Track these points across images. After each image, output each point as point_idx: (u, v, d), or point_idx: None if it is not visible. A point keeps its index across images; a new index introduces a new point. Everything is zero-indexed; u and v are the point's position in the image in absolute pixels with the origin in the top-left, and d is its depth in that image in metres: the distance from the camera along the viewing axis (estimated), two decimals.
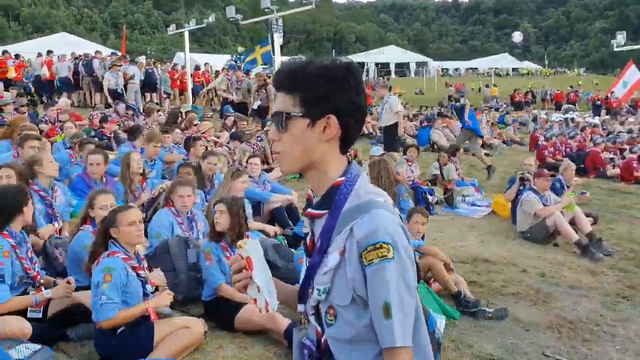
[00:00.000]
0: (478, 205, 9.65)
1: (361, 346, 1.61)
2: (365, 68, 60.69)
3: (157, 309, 3.91)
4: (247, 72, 19.77)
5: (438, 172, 10.49)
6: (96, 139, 8.70)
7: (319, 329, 1.70)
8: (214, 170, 6.89)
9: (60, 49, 21.22)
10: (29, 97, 17.18)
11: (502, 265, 6.58)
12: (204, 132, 10.77)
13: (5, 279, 3.82)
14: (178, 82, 20.44)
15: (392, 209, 1.65)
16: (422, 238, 6.04)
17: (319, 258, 1.65)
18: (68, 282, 3.99)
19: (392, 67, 64.64)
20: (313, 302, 1.69)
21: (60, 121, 10.19)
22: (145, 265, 4.01)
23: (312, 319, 1.72)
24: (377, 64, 61.74)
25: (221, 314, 4.48)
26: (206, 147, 8.37)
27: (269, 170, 10.16)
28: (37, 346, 3.49)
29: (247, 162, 7.58)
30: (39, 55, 19.76)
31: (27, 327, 3.70)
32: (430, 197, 9.02)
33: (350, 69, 1.62)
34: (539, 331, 4.93)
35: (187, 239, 4.88)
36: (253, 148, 10.43)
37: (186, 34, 19.07)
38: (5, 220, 3.90)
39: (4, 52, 19.47)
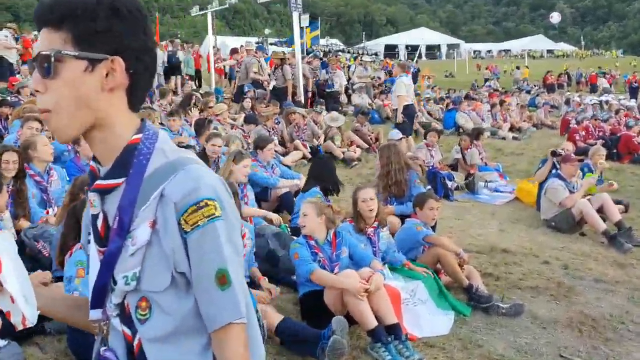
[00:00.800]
0: (501, 192, 9.19)
1: (185, 340, 1.28)
2: (395, 50, 59.91)
3: None
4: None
5: (459, 156, 10.05)
6: None
7: (128, 331, 1.34)
8: (218, 153, 6.59)
9: None
10: None
11: (521, 256, 6.18)
12: (218, 115, 10.51)
13: None
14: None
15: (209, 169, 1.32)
16: (435, 226, 5.68)
17: (119, 242, 1.27)
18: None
19: (423, 50, 63.55)
20: (117, 299, 1.33)
21: None
22: None
23: (115, 322, 1.36)
24: (407, 47, 60.79)
25: None
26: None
27: (285, 154, 9.89)
28: (3, 342, 3.26)
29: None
30: None
31: None
32: (449, 183, 8.62)
33: (135, 1, 1.27)
34: (557, 329, 4.54)
35: None
36: (270, 131, 10.11)
37: (209, 15, 18.80)
38: None
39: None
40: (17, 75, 12.66)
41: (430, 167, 9.02)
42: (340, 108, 14.90)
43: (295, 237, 4.90)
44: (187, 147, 6.69)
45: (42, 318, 3.32)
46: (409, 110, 10.62)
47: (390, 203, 6.29)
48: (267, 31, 42.52)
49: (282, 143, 10.53)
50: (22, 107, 7.94)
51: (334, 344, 3.59)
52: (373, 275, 4.08)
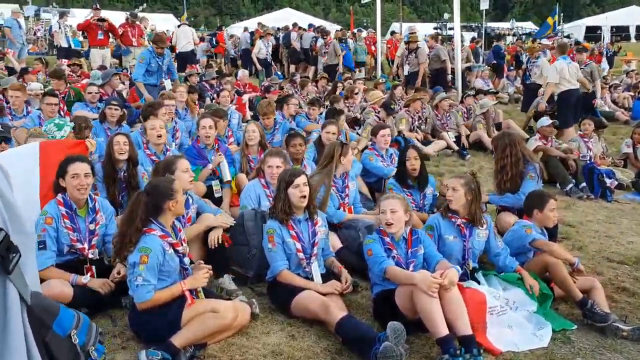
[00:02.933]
0: None
1: None
2: (598, 32, 54.48)
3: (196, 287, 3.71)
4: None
5: (630, 150, 8.79)
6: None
7: None
8: (331, 140, 6.43)
9: (281, 23, 22.42)
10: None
11: None
12: (373, 103, 10.38)
13: (47, 245, 3.92)
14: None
15: None
16: (555, 228, 5.02)
17: None
18: (111, 280, 3.98)
19: (632, 31, 56.99)
20: None
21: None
22: (183, 236, 3.81)
23: None
24: (612, 28, 54.90)
25: (279, 296, 4.15)
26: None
27: (427, 143, 9.50)
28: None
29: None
30: (245, 29, 21.05)
31: (68, 291, 3.77)
32: (608, 181, 7.57)
33: None
34: None
35: (265, 213, 4.57)
36: (412, 117, 9.75)
37: (378, 2, 18.70)
38: None
39: (219, 27, 21.22)
40: None
41: (588, 162, 8.01)
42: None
43: None
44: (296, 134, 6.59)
45: (121, 292, 3.55)
46: (568, 97, 9.55)
47: None
48: (446, 16, 40.99)
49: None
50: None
51: (385, 351, 3.32)
52: (447, 270, 3.70)
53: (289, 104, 8.67)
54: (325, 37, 16.65)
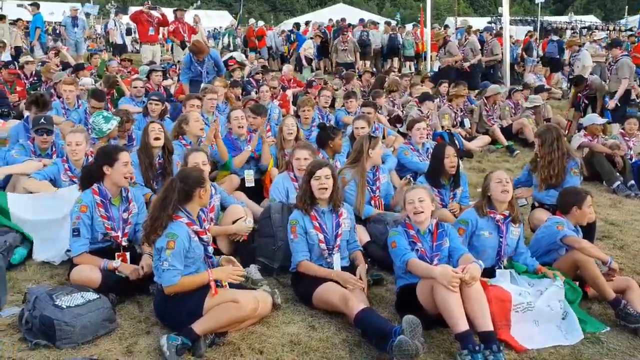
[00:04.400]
0: None
1: None
2: None
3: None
4: None
5: None
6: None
7: None
8: (361, 134, 6.39)
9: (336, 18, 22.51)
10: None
11: None
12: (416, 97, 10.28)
13: (80, 233, 4.07)
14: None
15: None
16: (592, 225, 4.88)
17: None
18: (142, 267, 4.09)
19: None
20: None
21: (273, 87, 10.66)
22: (207, 226, 3.89)
23: None
24: None
25: (301, 288, 4.19)
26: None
27: (471, 139, 9.35)
28: (94, 296, 3.63)
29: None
30: (297, 26, 21.18)
31: (96, 277, 3.91)
32: None
33: None
34: None
35: (292, 206, 4.60)
36: (455, 112, 9.62)
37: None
38: None
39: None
40: None
41: (636, 160, 7.73)
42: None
43: None
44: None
45: (148, 278, 3.66)
46: (627, 94, 9.26)
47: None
48: (501, 9, 39.94)
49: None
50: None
51: (400, 344, 3.30)
52: (468, 265, 3.66)
53: (321, 96, 8.73)
54: (345, 32, 16.60)
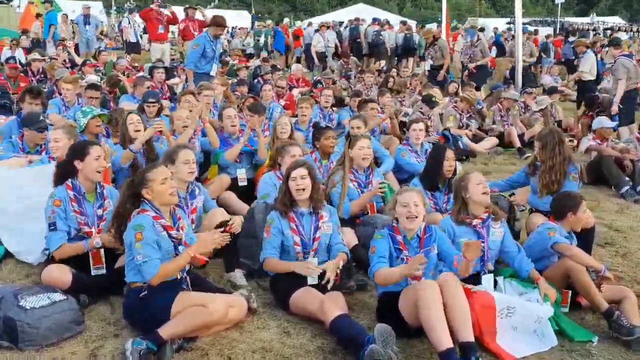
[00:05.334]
0: None
1: None
2: None
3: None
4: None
5: None
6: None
7: None
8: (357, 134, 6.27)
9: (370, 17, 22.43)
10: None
11: None
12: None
13: (57, 226, 4.01)
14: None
15: None
16: (589, 231, 4.70)
17: None
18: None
19: None
20: None
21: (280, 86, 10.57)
22: (181, 225, 3.78)
23: None
24: None
25: (278, 292, 4.07)
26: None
27: (477, 140, 9.16)
28: (61, 297, 3.55)
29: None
30: (310, 24, 21.10)
31: (66, 278, 3.83)
32: None
33: None
34: None
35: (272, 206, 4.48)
36: (461, 114, 9.42)
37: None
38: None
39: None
40: None
41: None
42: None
43: None
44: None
45: (121, 280, 3.57)
46: (635, 95, 8.96)
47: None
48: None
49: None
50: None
51: (372, 354, 3.17)
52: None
53: (322, 95, 8.59)
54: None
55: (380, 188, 4.90)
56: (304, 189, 4.04)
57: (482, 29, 18.20)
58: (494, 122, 9.87)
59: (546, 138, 5.28)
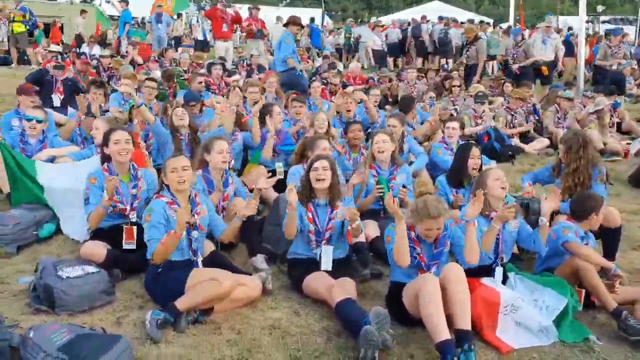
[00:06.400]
0: None
1: None
2: None
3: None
4: None
5: None
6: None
7: None
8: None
9: (432, 17, 22.41)
10: None
11: None
12: (471, 95, 10.12)
13: (89, 201, 4.49)
14: None
15: None
16: (616, 231, 4.75)
17: None
18: None
19: None
20: None
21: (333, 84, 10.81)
22: (199, 210, 4.12)
23: None
24: None
25: (294, 275, 4.33)
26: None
27: (528, 141, 9.06)
28: (94, 269, 3.95)
29: None
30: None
31: (100, 252, 4.25)
32: None
33: None
34: None
35: None
36: (512, 114, 9.34)
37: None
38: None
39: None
40: None
41: None
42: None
43: None
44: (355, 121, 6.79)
45: None
46: None
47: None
48: (599, 8, 37.62)
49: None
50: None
51: (365, 334, 3.36)
52: None
53: (370, 95, 8.50)
54: None
55: (378, 189, 5.08)
56: (324, 179, 4.28)
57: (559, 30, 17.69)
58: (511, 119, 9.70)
59: (570, 141, 5.26)
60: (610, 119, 10.35)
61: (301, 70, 10.17)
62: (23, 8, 15.18)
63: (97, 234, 4.52)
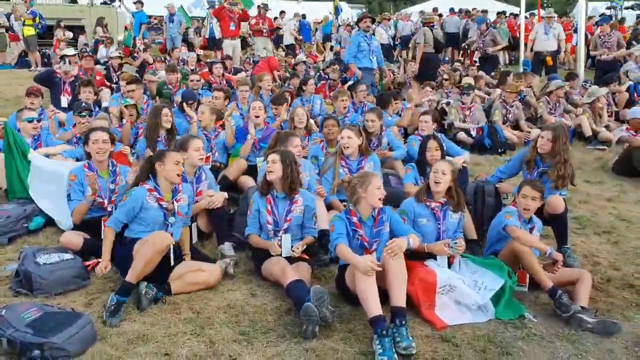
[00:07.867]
0: None
1: None
2: None
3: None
4: None
5: None
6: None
7: None
8: (370, 127, 6.73)
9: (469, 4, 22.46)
10: None
11: None
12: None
13: (72, 197, 4.96)
14: None
15: None
16: (561, 216, 4.96)
17: None
18: None
19: None
20: None
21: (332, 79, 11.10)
22: (179, 198, 4.55)
23: None
24: None
25: (255, 260, 4.71)
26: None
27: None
28: (69, 256, 4.37)
29: None
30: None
31: (77, 241, 4.69)
32: None
33: None
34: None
35: None
36: (507, 108, 9.50)
37: None
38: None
39: None
40: None
41: None
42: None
43: None
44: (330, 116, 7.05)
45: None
46: None
47: None
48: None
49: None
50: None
51: (305, 310, 3.70)
52: (397, 239, 4.00)
53: (357, 91, 8.74)
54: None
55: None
56: (271, 172, 4.63)
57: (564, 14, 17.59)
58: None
59: (558, 130, 5.25)
60: (609, 108, 10.44)
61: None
62: (33, 12, 15.75)
63: (78, 226, 4.96)
